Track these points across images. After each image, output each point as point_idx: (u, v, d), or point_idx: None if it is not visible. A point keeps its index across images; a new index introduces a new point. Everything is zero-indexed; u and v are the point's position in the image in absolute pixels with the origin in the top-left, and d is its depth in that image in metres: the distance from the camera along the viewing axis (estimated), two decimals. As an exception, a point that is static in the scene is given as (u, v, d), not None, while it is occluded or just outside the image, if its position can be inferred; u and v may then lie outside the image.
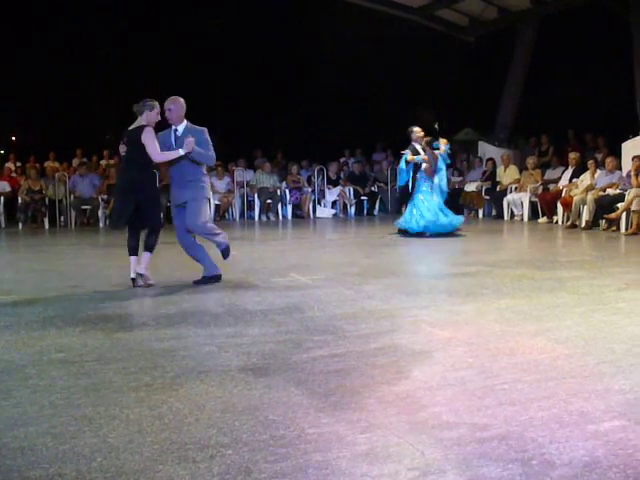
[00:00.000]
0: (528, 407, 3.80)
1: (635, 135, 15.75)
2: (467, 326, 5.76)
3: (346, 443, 3.36)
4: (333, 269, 9.14)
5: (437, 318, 6.08)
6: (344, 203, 20.56)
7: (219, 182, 19.35)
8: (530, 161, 17.89)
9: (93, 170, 19.74)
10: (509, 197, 17.82)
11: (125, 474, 3.06)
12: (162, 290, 7.74)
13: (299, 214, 19.73)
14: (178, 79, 27.51)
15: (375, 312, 6.36)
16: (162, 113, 8.09)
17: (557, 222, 16.01)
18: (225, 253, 8.44)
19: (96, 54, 31.04)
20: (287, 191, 19.63)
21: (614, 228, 13.88)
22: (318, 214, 19.87)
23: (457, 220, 14.37)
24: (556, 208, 16.18)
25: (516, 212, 17.63)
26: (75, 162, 21.10)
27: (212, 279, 8.17)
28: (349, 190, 20.55)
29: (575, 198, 14.91)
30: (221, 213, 19.37)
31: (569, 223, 14.95)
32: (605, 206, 14.13)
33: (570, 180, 16.24)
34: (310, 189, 20.05)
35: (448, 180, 20.98)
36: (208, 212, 8.42)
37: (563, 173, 16.86)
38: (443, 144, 14.72)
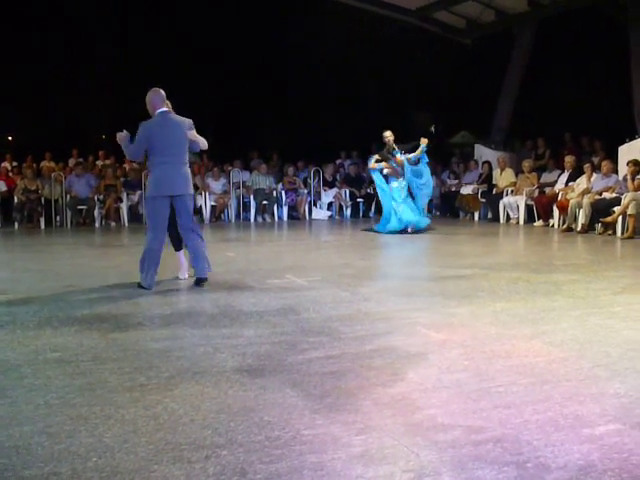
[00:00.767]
0: (523, 410, 3.80)
1: (632, 139, 15.78)
2: (462, 328, 5.77)
3: (341, 445, 3.36)
4: (329, 271, 9.15)
5: (433, 320, 6.09)
6: (340, 205, 20.57)
7: (215, 183, 19.34)
8: (526, 164, 17.89)
9: (89, 170, 19.73)
10: (505, 200, 17.83)
11: (120, 474, 3.06)
12: (158, 290, 7.74)
13: (295, 215, 19.72)
14: (175, 80, 27.52)
15: (371, 314, 6.36)
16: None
17: (553, 225, 16.02)
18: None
19: (93, 55, 31.05)
20: (283, 192, 19.62)
21: (610, 232, 13.89)
22: (314, 216, 19.85)
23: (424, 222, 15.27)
24: (552, 211, 16.18)
25: (512, 215, 17.64)
26: (71, 162, 21.10)
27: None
28: (345, 192, 20.55)
29: (571, 201, 14.92)
30: (217, 214, 19.37)
31: (565, 226, 14.96)
32: (601, 210, 14.14)
33: (566, 183, 16.25)
34: (306, 191, 20.04)
35: (443, 182, 21.16)
36: (156, 214, 8.02)
37: (559, 176, 16.87)
38: (423, 143, 15.30)
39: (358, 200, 20.61)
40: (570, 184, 16.02)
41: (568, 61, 23.58)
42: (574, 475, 3.02)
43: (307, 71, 28.91)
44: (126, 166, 20.62)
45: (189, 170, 8.20)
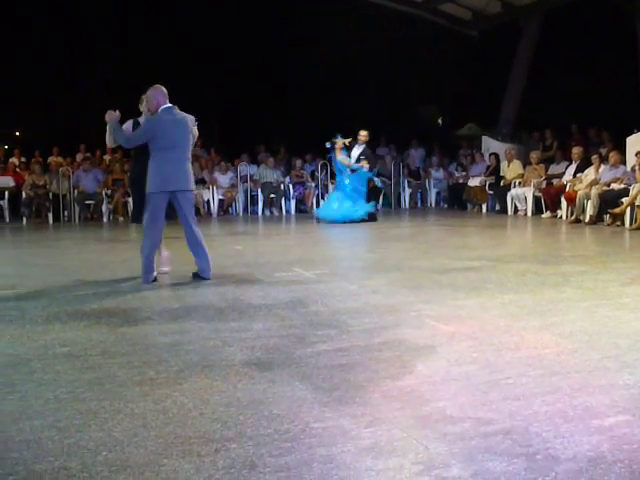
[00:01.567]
0: (532, 402, 3.79)
1: (640, 130, 15.74)
2: (471, 321, 5.76)
3: (350, 437, 3.36)
4: (337, 264, 9.16)
5: (441, 313, 6.08)
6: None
7: (222, 177, 19.36)
8: (534, 156, 17.87)
9: (97, 165, 19.75)
10: (513, 192, 17.81)
11: (130, 468, 3.06)
12: (166, 285, 7.75)
13: (302, 209, 19.74)
14: (179, 73, 27.55)
15: (379, 307, 6.36)
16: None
17: (561, 217, 16.00)
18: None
19: (98, 50, 31.06)
20: (290, 186, 19.64)
21: (618, 223, 13.86)
22: (321, 208, 19.86)
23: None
24: (560, 203, 16.16)
25: (520, 207, 17.63)
26: (79, 157, 21.12)
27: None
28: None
29: (579, 193, 14.90)
30: (225, 208, 19.39)
31: (573, 218, 14.94)
32: (609, 201, 14.12)
33: (574, 175, 16.23)
34: (313, 184, 20.04)
35: (451, 175, 21.14)
36: (154, 210, 7.91)
37: (567, 168, 16.85)
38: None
39: (366, 193, 20.56)
40: (578, 175, 16.00)
41: (575, 52, 23.51)
42: (584, 466, 3.01)
43: (315, 64, 28.85)
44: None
45: (191, 166, 8.20)
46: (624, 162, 15.18)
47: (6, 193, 18.50)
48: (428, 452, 3.18)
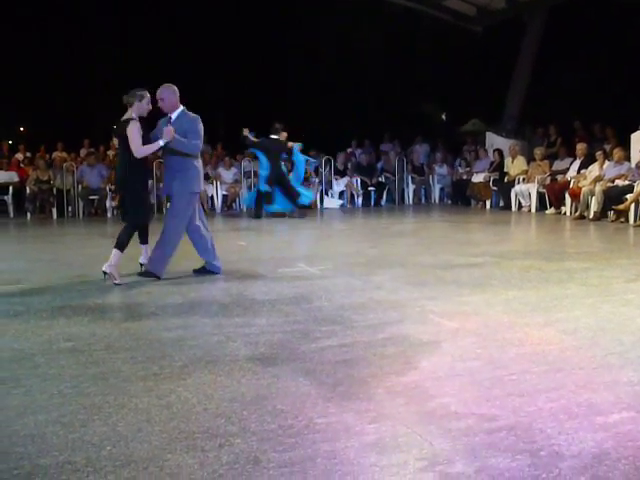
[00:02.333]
0: (536, 398, 3.79)
1: (644, 126, 15.70)
2: (475, 317, 5.76)
3: (354, 433, 3.37)
4: (341, 259, 9.15)
5: (445, 309, 6.08)
6: (351, 194, 20.55)
7: (226, 172, 19.36)
8: (538, 152, 17.84)
9: (101, 160, 19.73)
10: (517, 188, 17.79)
11: (134, 462, 3.07)
12: (169, 280, 7.75)
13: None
14: (181, 68, 27.56)
15: (383, 302, 6.36)
16: (155, 102, 7.97)
17: (565, 213, 15.97)
18: (147, 274, 7.95)
19: (100, 46, 31.10)
20: (294, 181, 19.62)
21: (622, 219, 13.84)
22: (325, 204, 19.86)
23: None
24: (564, 199, 16.14)
25: (524, 203, 17.61)
26: (83, 152, 21.11)
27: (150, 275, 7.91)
28: (356, 181, 20.53)
29: (583, 189, 14.87)
30: (228, 203, 19.39)
31: (577, 214, 14.92)
32: (613, 197, 14.10)
33: (578, 171, 16.20)
34: (317, 180, 20.04)
35: (455, 171, 21.12)
36: (190, 210, 7.93)
37: (571, 164, 16.81)
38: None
39: (369, 189, 20.58)
40: (582, 172, 15.97)
41: (579, 48, 23.46)
42: (588, 463, 3.01)
43: (318, 60, 28.86)
44: (137, 157, 20.62)
45: None
46: (628, 158, 15.14)
47: (10, 188, 18.53)
48: (432, 448, 3.18)
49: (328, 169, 20.52)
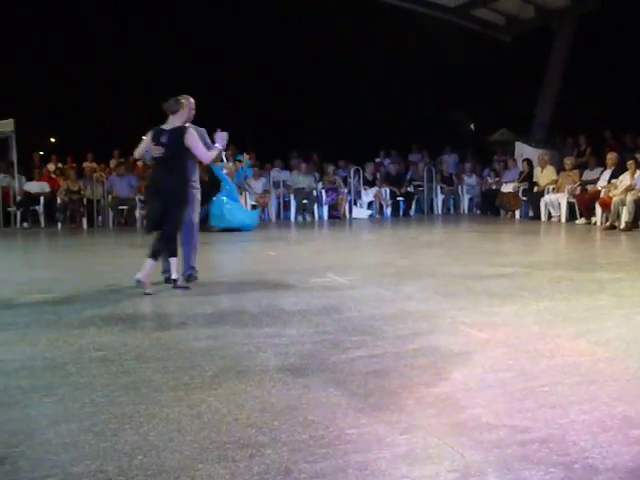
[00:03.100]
0: (569, 410, 3.76)
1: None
2: (506, 328, 5.72)
3: (386, 444, 3.35)
4: (370, 270, 9.13)
5: (475, 319, 6.04)
6: (380, 204, 20.54)
7: (255, 183, 19.41)
8: (568, 162, 17.75)
9: (130, 171, 19.87)
10: (546, 198, 17.69)
11: (166, 472, 3.07)
12: (199, 290, 7.78)
13: (335, 214, 19.73)
14: (212, 80, 27.72)
15: (413, 313, 6.33)
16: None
17: (595, 223, 15.86)
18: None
19: (130, 57, 31.32)
20: (323, 192, 19.65)
21: (654, 230, 13.73)
22: (354, 215, 19.86)
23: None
24: (594, 209, 16.03)
25: (553, 213, 17.51)
26: (113, 163, 21.27)
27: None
28: (385, 191, 20.53)
29: (614, 199, 14.77)
30: (257, 213, 19.46)
31: (608, 224, 14.81)
32: (645, 207, 13.99)
33: (609, 181, 16.08)
34: (346, 190, 20.05)
35: (484, 180, 21.04)
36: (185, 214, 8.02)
37: (601, 174, 16.70)
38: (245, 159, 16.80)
39: (398, 199, 20.57)
40: (613, 181, 15.85)
41: (609, 56, 23.33)
42: (623, 477, 2.97)
43: (345, 71, 28.89)
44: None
45: None
46: (660, 168, 15.02)
47: (42, 198, 18.70)
48: (464, 460, 3.16)
49: (357, 179, 20.53)
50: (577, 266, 9.29)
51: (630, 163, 15.43)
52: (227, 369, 4.59)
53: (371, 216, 20.10)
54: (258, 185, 19.44)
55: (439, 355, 4.89)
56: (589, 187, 16.79)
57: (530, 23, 21.41)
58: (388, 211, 20.45)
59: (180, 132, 7.74)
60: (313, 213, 19.55)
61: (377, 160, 22.66)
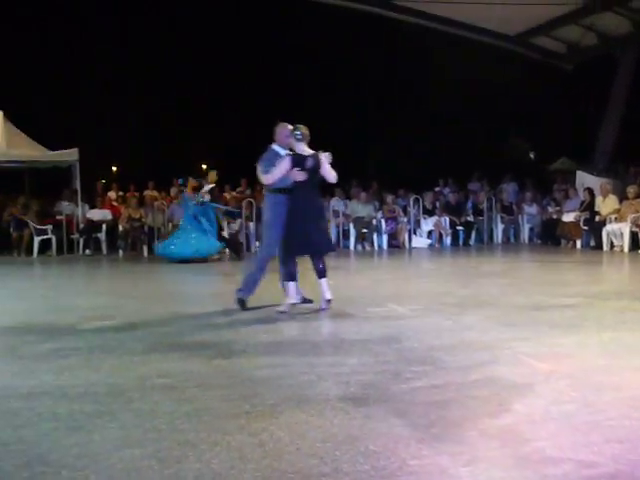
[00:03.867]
0: (638, 445, 3.67)
1: None
2: (569, 359, 5.64)
3: (449, 476, 3.32)
4: (430, 299, 9.08)
5: (538, 350, 5.96)
6: (440, 233, 20.45)
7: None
8: (631, 190, 17.49)
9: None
10: (608, 227, 17.44)
11: (228, 500, 3.08)
12: (260, 318, 7.80)
13: (394, 244, 19.68)
14: (278, 107, 27.87)
15: (474, 343, 6.28)
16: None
17: (659, 253, 15.60)
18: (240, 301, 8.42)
19: (193, 87, 31.77)
20: (382, 221, 19.63)
21: None
22: (414, 244, 19.80)
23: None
24: (658, 239, 15.78)
25: (616, 243, 17.25)
26: (173, 191, 21.51)
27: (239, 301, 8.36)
28: (445, 220, 20.44)
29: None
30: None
31: (672, 254, 14.57)
32: None
33: (673, 210, 15.83)
34: (406, 219, 20.01)
35: (544, 210, 20.83)
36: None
37: (666, 203, 16.44)
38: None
39: (458, 228, 20.46)
40: (677, 210, 15.59)
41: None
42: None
43: (406, 100, 28.93)
44: (226, 195, 20.97)
45: (267, 200, 8.65)
46: None
47: (104, 226, 18.98)
48: (529, 494, 3.11)
49: (416, 208, 20.48)
50: (641, 297, 9.13)
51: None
52: (288, 398, 4.59)
53: (430, 245, 20.01)
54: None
55: (501, 386, 4.84)
56: (653, 216, 16.53)
57: (592, 50, 21.24)
58: (448, 240, 20.35)
59: (318, 158, 8.23)
60: (372, 242, 19.53)
61: (436, 189, 22.60)
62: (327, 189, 21.06)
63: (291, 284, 8.17)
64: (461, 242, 20.46)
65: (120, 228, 18.55)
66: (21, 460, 3.57)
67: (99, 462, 3.53)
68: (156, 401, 4.58)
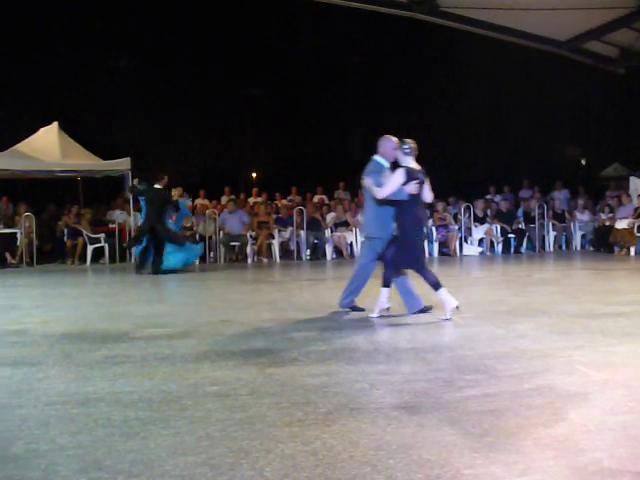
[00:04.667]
0: (698, 456, 3.61)
1: None
2: (625, 368, 5.56)
3: (503, 486, 3.30)
4: (482, 307, 9.02)
5: (592, 359, 5.90)
6: (491, 241, 20.29)
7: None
8: (686, 196, 17.23)
9: (241, 207, 20.18)
10: (663, 234, 17.19)
11: (282, 508, 3.09)
12: (310, 327, 7.81)
13: (445, 252, 19.56)
14: (324, 121, 28.01)
15: (527, 352, 6.22)
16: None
17: None
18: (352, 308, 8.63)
19: (243, 95, 31.98)
20: (434, 229, 19.53)
21: None
22: (465, 252, 19.65)
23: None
24: None
25: (671, 250, 16.99)
26: (224, 200, 21.64)
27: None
28: (496, 227, 20.27)
29: None
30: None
31: None
32: None
33: None
34: (456, 226, 19.89)
35: (597, 217, 20.57)
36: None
37: None
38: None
39: (509, 235, 20.28)
40: None
41: None
42: None
43: (455, 107, 28.83)
44: (277, 203, 21.06)
45: (373, 212, 8.68)
46: None
47: (156, 235, 19.17)
48: (586, 505, 3.08)
49: (467, 216, 20.35)
50: (698, 305, 8.98)
51: None
52: (341, 406, 4.59)
53: (482, 253, 19.85)
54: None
55: (555, 395, 4.79)
56: None
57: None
58: (499, 248, 20.17)
59: (424, 174, 8.40)
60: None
61: (487, 196, 22.44)
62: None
63: (384, 290, 8.26)
64: (512, 250, 20.26)
65: (171, 237, 18.69)
66: (78, 465, 3.62)
67: (154, 468, 3.56)
68: (209, 408, 4.61)
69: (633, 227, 18.46)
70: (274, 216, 19.64)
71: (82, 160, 18.78)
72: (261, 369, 5.73)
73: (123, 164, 19.07)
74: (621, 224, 18.83)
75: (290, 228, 19.08)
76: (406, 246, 8.16)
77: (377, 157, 8.61)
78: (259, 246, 18.65)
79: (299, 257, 18.81)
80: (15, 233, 18.23)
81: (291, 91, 31.57)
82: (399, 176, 8.11)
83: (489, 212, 20.85)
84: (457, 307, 8.14)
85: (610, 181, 23.74)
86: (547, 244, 21.07)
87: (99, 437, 4.08)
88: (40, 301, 11.24)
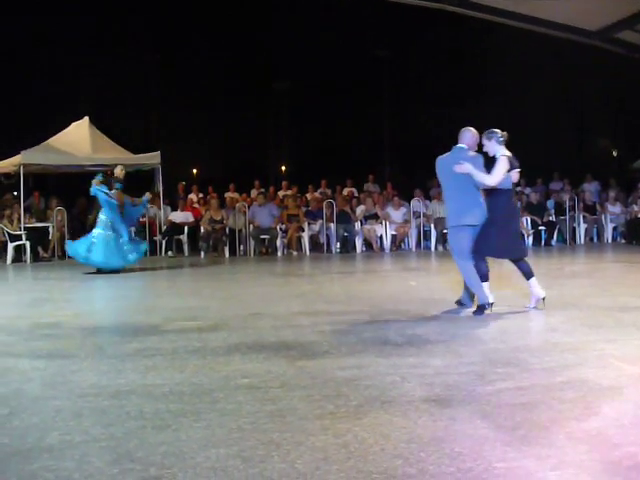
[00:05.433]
0: None
1: None
2: (659, 362, 5.51)
3: (536, 479, 3.27)
4: (513, 300, 8.96)
5: (625, 352, 5.85)
6: (521, 233, 20.17)
7: (395, 212, 19.42)
8: None
9: (271, 200, 20.22)
10: (696, 227, 17.01)
11: (314, 500, 3.09)
12: (341, 319, 7.81)
13: (475, 244, 19.49)
14: (354, 114, 27.94)
15: (559, 345, 6.18)
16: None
17: None
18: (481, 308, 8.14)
19: (272, 88, 32.02)
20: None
21: None
22: (494, 244, 19.56)
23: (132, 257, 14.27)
24: None
25: None
26: (254, 193, 21.68)
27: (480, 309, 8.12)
28: (526, 220, 20.15)
29: None
30: (397, 243, 19.42)
31: None
32: None
33: None
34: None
35: (630, 209, 20.37)
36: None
37: None
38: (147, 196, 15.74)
39: (540, 228, 20.16)
40: None
41: None
42: None
43: (485, 99, 28.64)
44: (308, 196, 21.07)
45: (468, 201, 8.34)
46: None
47: (185, 228, 19.26)
48: (621, 500, 3.05)
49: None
50: None
51: None
52: (372, 399, 4.58)
53: (512, 245, 19.74)
54: (398, 215, 19.43)
55: (588, 389, 4.75)
56: None
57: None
58: (529, 240, 20.05)
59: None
60: (453, 243, 19.37)
61: (518, 189, 22.29)
62: (408, 189, 21.03)
63: (484, 285, 8.17)
64: (543, 242, 20.15)
65: (202, 230, 18.76)
66: (111, 457, 3.64)
67: (186, 460, 3.57)
68: (240, 401, 4.61)
69: (665, 219, 18.31)
70: (304, 209, 19.66)
71: (113, 154, 18.87)
72: (291, 362, 5.73)
73: (154, 158, 19.17)
74: (653, 216, 18.69)
75: (320, 221, 19.10)
76: (509, 234, 8.12)
77: (463, 145, 8.47)
78: (289, 239, 18.71)
79: (329, 250, 18.84)
80: (47, 227, 18.38)
81: (321, 84, 31.50)
82: (505, 164, 8.09)
83: (519, 204, 20.72)
84: (543, 299, 8.14)
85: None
86: (578, 236, 20.94)
87: (131, 429, 4.10)
88: (72, 294, 11.35)
